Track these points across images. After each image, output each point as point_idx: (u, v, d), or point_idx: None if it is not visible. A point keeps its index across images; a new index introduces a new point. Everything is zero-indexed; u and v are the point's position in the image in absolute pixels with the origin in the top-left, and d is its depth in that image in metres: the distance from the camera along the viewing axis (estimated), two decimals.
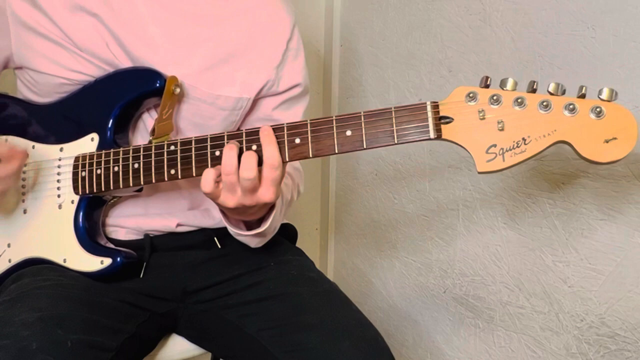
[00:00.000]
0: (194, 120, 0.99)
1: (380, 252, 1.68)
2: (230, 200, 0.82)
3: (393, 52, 1.54)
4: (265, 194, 0.82)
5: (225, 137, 0.84)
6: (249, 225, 0.94)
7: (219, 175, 0.82)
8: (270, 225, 0.92)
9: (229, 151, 0.81)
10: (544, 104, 0.73)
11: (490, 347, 1.34)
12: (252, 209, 0.85)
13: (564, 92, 0.73)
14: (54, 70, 0.96)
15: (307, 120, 0.82)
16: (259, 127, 0.82)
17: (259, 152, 0.81)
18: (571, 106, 0.72)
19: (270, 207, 0.90)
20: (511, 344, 1.29)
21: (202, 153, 0.85)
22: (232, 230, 0.94)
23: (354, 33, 1.71)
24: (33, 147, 1.00)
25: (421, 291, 1.53)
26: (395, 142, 0.78)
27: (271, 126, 0.82)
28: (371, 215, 1.70)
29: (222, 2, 1.02)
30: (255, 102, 1.04)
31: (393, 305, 1.64)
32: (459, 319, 1.42)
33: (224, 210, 0.89)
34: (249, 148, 0.83)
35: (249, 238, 0.95)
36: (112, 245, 0.97)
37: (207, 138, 0.85)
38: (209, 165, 0.85)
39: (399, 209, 1.58)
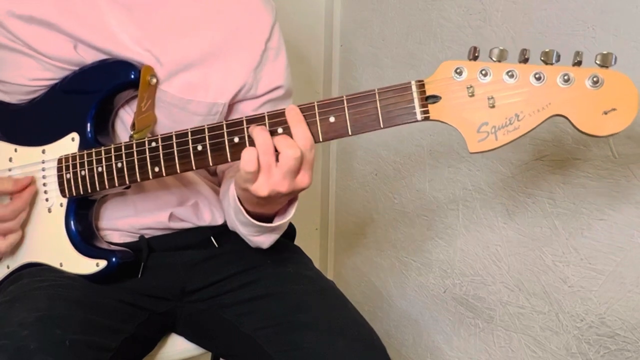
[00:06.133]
0: (166, 124, 0.95)
1: (380, 252, 1.68)
2: (266, 185, 0.77)
3: (393, 52, 1.54)
4: (302, 179, 0.78)
5: (206, 129, 0.82)
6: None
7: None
8: (289, 217, 0.89)
9: (262, 131, 0.77)
10: (537, 75, 0.68)
11: (490, 347, 1.34)
12: (281, 198, 0.81)
13: (558, 60, 0.68)
14: (24, 81, 0.94)
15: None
16: (264, 113, 0.79)
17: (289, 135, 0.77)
18: (566, 76, 0.67)
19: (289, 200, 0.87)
20: (511, 344, 1.29)
21: (185, 149, 0.83)
22: (256, 225, 0.88)
23: (354, 33, 1.71)
24: (15, 150, 0.97)
25: (421, 291, 1.53)
26: (382, 126, 0.75)
27: (250, 117, 0.79)
28: (371, 215, 1.70)
29: (194, 3, 0.98)
30: (234, 105, 1.00)
31: (393, 305, 1.64)
32: (459, 319, 1.41)
33: (246, 201, 0.85)
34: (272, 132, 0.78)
35: (266, 236, 0.92)
36: (106, 246, 0.96)
37: (187, 132, 0.83)
38: (193, 161, 0.83)
39: (399, 209, 1.57)
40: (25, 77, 0.94)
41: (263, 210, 0.87)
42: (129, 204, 1.00)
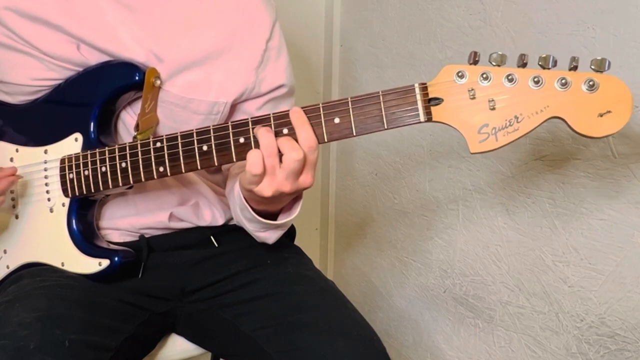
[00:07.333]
0: (167, 124, 0.96)
1: (380, 252, 1.68)
2: (269, 186, 0.79)
3: (393, 52, 1.54)
4: (305, 179, 0.80)
5: (212, 130, 0.83)
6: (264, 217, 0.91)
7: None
8: (294, 215, 0.90)
9: (267, 133, 0.78)
10: (535, 79, 0.71)
11: (490, 347, 1.34)
12: (285, 197, 0.82)
13: (555, 64, 0.71)
14: (27, 81, 0.95)
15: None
16: (269, 114, 0.80)
17: (293, 136, 0.79)
18: (563, 80, 0.70)
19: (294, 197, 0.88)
20: (511, 344, 1.29)
21: (190, 149, 0.84)
22: (262, 222, 0.89)
23: (354, 33, 1.71)
24: (17, 150, 0.98)
25: (421, 291, 1.53)
26: (385, 127, 0.77)
27: (255, 117, 0.81)
28: (371, 215, 1.70)
29: (195, 3, 0.98)
30: (237, 105, 1.00)
31: (393, 305, 1.64)
32: (459, 319, 1.41)
33: (251, 200, 0.87)
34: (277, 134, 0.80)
35: (271, 232, 0.93)
36: (108, 245, 0.96)
37: (192, 133, 0.84)
38: (198, 161, 0.84)
39: (399, 209, 1.57)
40: (29, 77, 0.95)
41: (268, 207, 0.88)
42: (130, 203, 1.00)
